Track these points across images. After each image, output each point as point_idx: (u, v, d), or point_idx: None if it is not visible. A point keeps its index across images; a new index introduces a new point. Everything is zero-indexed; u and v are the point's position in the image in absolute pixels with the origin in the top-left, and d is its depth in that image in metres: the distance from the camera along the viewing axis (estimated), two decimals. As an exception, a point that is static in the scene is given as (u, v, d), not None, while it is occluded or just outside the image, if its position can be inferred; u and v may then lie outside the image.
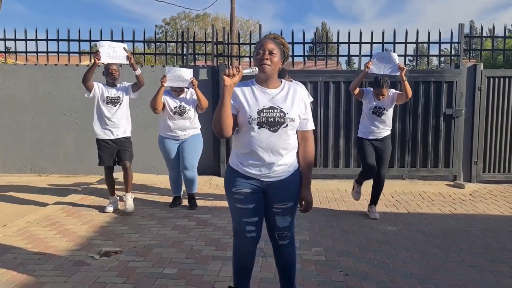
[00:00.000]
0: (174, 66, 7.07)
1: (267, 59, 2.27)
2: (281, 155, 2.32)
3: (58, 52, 7.17)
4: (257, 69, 2.27)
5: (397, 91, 4.71)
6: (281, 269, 2.59)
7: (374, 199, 4.87)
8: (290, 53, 6.98)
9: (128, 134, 4.87)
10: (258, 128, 2.26)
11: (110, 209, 4.86)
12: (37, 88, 7.17)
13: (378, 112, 4.63)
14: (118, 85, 4.80)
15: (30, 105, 7.19)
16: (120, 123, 4.75)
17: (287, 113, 2.30)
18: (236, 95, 2.30)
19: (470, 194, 6.08)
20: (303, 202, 2.46)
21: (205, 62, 7.46)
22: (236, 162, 2.41)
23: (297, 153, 2.47)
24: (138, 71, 4.71)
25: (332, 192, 6.08)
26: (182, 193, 5.29)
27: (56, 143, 7.21)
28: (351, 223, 4.64)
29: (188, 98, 4.88)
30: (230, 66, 2.17)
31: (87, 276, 3.14)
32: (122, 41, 7.11)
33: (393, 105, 4.67)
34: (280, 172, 2.36)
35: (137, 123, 7.02)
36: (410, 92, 4.47)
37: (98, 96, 4.68)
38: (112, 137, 4.73)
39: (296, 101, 2.35)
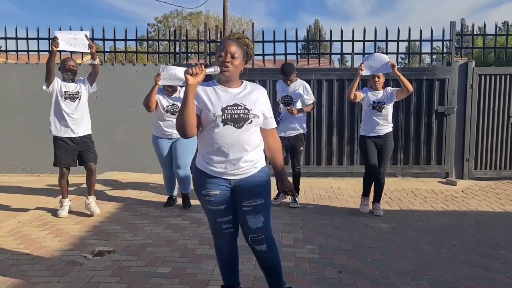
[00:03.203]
0: (167, 64, 7.06)
1: (228, 62, 2.27)
2: (246, 151, 2.32)
3: (49, 51, 7.08)
4: (218, 68, 2.27)
5: (395, 88, 4.82)
6: (266, 273, 2.56)
7: (376, 197, 4.91)
8: (283, 51, 7.03)
9: (89, 132, 4.68)
10: (223, 125, 2.26)
11: (63, 213, 4.62)
12: (28, 87, 7.11)
13: (378, 106, 4.69)
14: (76, 81, 4.61)
15: (21, 104, 7.13)
16: (80, 120, 4.56)
17: (251, 110, 2.31)
18: (199, 94, 2.28)
19: (462, 191, 6.13)
20: (287, 192, 2.51)
21: (198, 60, 7.44)
22: (202, 163, 2.38)
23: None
24: (97, 61, 4.53)
25: (325, 190, 6.10)
26: (176, 193, 5.24)
27: (48, 143, 7.07)
28: (344, 220, 4.66)
29: (181, 97, 4.76)
30: (193, 65, 2.16)
31: (80, 276, 3.12)
32: (114, 40, 7.08)
33: (393, 101, 4.74)
34: (246, 169, 2.35)
35: (130, 122, 7.01)
36: (410, 86, 4.55)
37: (57, 91, 4.47)
38: (72, 136, 4.53)
39: (259, 100, 2.38)
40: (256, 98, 2.38)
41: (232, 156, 2.29)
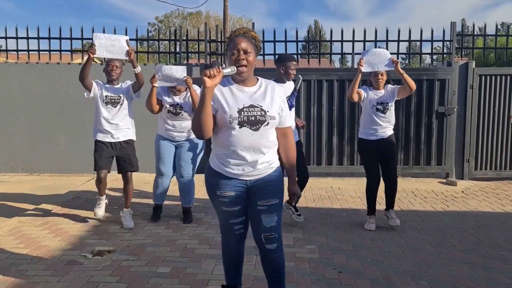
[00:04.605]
0: (164, 63, 7.05)
1: (243, 59, 2.22)
2: (263, 153, 2.28)
3: (49, 50, 7.11)
4: (235, 68, 2.21)
5: (396, 86, 4.46)
6: (270, 276, 2.48)
7: (389, 203, 4.50)
8: (283, 51, 7.02)
9: (131, 137, 4.45)
10: (239, 128, 2.21)
11: (99, 212, 4.43)
12: (28, 87, 7.11)
13: (382, 107, 4.32)
14: (120, 84, 4.37)
15: (22, 104, 7.13)
16: (121, 126, 4.33)
17: (268, 111, 2.25)
18: (214, 94, 2.22)
19: (462, 191, 6.13)
20: (294, 197, 2.47)
21: (198, 60, 7.44)
22: (217, 163, 2.35)
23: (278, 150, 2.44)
24: (138, 69, 4.24)
25: (325, 190, 6.10)
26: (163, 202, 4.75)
27: (48, 142, 7.16)
28: (344, 220, 4.66)
29: (187, 100, 4.40)
30: (210, 67, 2.13)
31: (80, 275, 3.12)
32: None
33: (394, 100, 4.40)
34: (262, 170, 2.32)
35: (130, 121, 7.00)
36: (413, 84, 4.22)
37: (98, 95, 4.25)
38: (112, 140, 4.30)
39: (275, 99, 2.31)
40: (272, 98, 2.31)
41: (249, 158, 2.26)
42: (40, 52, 7.15)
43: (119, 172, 4.47)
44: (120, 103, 4.32)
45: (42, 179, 6.81)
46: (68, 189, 5.95)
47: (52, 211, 4.80)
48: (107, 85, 4.33)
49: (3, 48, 7.31)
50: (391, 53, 4.43)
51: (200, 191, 5.94)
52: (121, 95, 4.33)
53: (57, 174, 7.13)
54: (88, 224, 4.38)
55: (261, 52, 7.04)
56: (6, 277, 3.07)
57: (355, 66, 7.10)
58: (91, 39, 6.84)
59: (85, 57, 4.17)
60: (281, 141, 2.41)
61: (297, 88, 4.27)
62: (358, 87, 4.35)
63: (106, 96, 4.26)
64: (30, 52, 7.18)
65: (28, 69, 7.11)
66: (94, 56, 4.04)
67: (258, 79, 2.38)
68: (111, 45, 4.09)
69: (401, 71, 4.19)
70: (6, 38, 7.13)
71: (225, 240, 2.54)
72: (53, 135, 7.14)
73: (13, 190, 5.99)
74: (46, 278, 3.06)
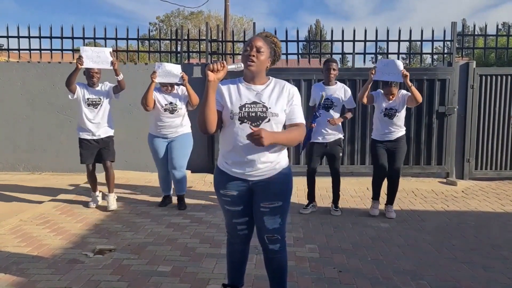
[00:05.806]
0: (168, 62, 7.06)
1: (253, 55, 2.21)
2: (264, 152, 2.25)
3: (51, 50, 7.12)
4: (242, 65, 2.22)
5: (408, 93, 4.59)
6: (272, 276, 2.49)
7: (389, 199, 4.85)
8: (284, 51, 7.03)
9: (110, 133, 4.92)
10: (240, 124, 2.22)
11: (92, 204, 4.97)
12: (30, 86, 7.13)
13: (389, 114, 4.58)
14: (99, 86, 4.80)
15: (23, 102, 7.14)
16: (102, 124, 4.81)
17: (270, 108, 2.23)
18: (222, 91, 2.28)
19: (462, 191, 6.13)
20: (253, 135, 2.06)
21: (199, 60, 7.45)
22: (222, 162, 2.37)
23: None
24: (121, 77, 4.70)
25: (325, 190, 6.09)
26: (172, 192, 5.21)
27: (49, 141, 7.17)
28: (344, 220, 4.66)
29: (180, 95, 4.79)
30: (214, 61, 2.13)
31: (81, 274, 3.13)
32: (116, 39, 7.10)
33: (405, 107, 4.61)
34: (265, 171, 2.29)
35: (131, 121, 7.02)
36: (419, 97, 4.39)
37: (80, 97, 4.72)
38: (94, 138, 4.79)
39: (282, 96, 2.28)
40: (278, 96, 2.28)
41: (249, 156, 2.24)
42: (42, 51, 7.16)
43: (99, 162, 4.95)
44: (100, 105, 4.79)
45: (43, 178, 6.82)
46: (69, 188, 5.96)
47: (54, 210, 4.81)
48: (89, 88, 4.79)
49: (5, 47, 7.32)
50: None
51: (200, 189, 5.95)
52: (101, 97, 4.80)
53: (58, 173, 7.14)
54: (89, 223, 4.39)
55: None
56: (8, 275, 3.08)
57: (356, 66, 7.17)
58: (92, 38, 6.94)
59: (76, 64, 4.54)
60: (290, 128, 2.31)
61: (321, 102, 4.55)
62: (373, 91, 4.69)
63: (88, 99, 4.74)
64: (31, 51, 7.19)
65: (29, 68, 7.12)
66: (82, 67, 4.50)
67: (269, 78, 2.37)
68: (97, 57, 4.57)
69: (409, 83, 4.37)
70: (7, 37, 7.14)
71: (230, 239, 2.55)
72: (55, 134, 7.15)
73: (14, 189, 6.00)
74: (47, 277, 3.08)
